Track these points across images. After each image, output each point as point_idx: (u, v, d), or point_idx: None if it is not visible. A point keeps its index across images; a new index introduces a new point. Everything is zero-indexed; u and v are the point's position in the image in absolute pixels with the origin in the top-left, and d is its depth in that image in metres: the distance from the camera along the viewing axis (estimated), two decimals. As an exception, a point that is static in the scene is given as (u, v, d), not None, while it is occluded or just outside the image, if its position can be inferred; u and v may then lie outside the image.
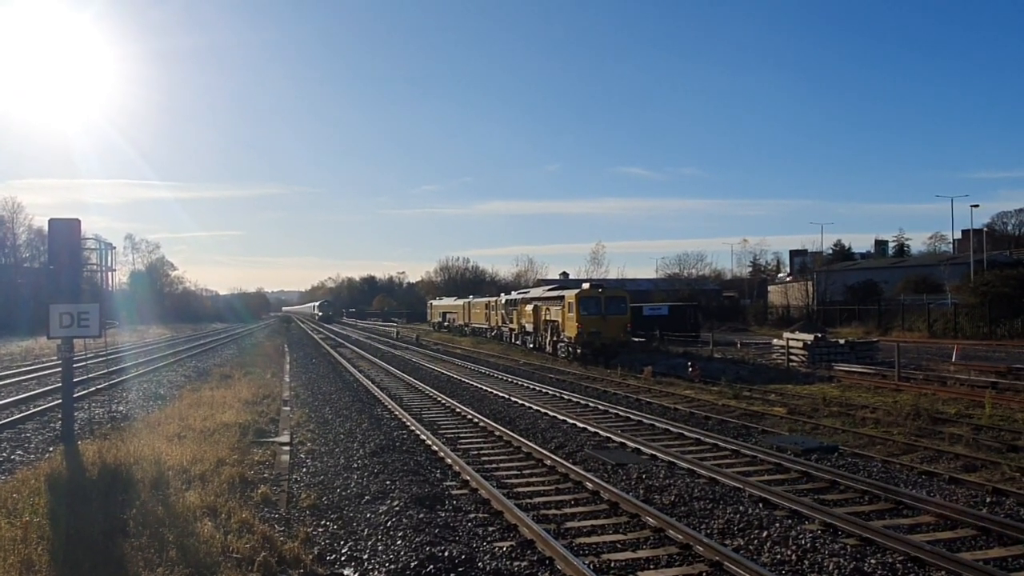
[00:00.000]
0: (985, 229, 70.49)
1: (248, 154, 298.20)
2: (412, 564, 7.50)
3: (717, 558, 7.62)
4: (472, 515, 9.58)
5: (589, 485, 10.79)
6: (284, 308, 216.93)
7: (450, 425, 16.86)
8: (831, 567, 7.43)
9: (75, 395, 14.04)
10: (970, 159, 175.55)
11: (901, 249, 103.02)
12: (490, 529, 9.01)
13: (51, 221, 12.87)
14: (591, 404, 19.75)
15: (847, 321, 57.39)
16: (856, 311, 59.13)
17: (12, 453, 13.01)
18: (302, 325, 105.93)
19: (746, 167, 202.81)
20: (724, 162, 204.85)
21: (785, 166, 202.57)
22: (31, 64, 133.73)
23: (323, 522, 9.39)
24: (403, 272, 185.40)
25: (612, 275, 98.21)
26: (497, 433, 15.32)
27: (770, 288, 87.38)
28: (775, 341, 35.03)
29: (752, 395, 21.37)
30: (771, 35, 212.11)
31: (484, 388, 23.73)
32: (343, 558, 8.07)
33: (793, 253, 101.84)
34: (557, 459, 12.45)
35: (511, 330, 46.18)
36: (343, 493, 10.75)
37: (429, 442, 14.48)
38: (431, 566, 7.43)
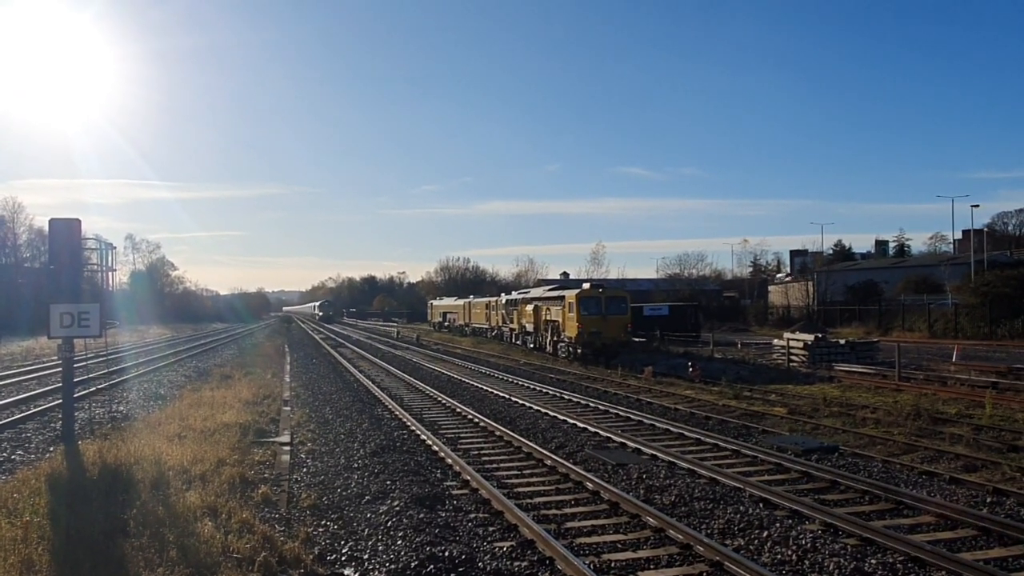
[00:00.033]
0: (985, 229, 70.55)
1: (248, 154, 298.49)
2: (412, 564, 7.50)
3: (717, 558, 7.62)
4: (472, 515, 9.58)
5: (589, 485, 10.79)
6: (284, 308, 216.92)
7: (450, 425, 16.87)
8: (831, 567, 7.43)
9: (75, 395, 14.04)
10: (970, 159, 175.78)
11: (901, 249, 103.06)
12: (490, 529, 9.01)
13: (52, 221, 12.88)
14: (591, 404, 19.75)
15: (847, 321, 57.39)
16: (856, 311, 59.12)
17: (13, 453, 13.02)
18: (302, 325, 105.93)
19: (746, 167, 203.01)
20: (724, 162, 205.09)
21: (785, 166, 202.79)
22: (31, 64, 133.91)
23: (323, 522, 9.39)
24: (403, 272, 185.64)
25: (612, 275, 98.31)
26: (497, 433, 15.32)
27: (770, 288, 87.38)
28: (775, 341, 35.03)
29: (752, 395, 21.36)
30: (771, 35, 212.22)
31: (484, 388, 23.73)
32: (343, 558, 8.07)
33: (793, 253, 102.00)
34: (557, 459, 12.45)
35: (511, 330, 46.18)
36: (343, 493, 10.75)
37: (429, 442, 14.48)
38: (431, 566, 7.43)
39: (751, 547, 8.22)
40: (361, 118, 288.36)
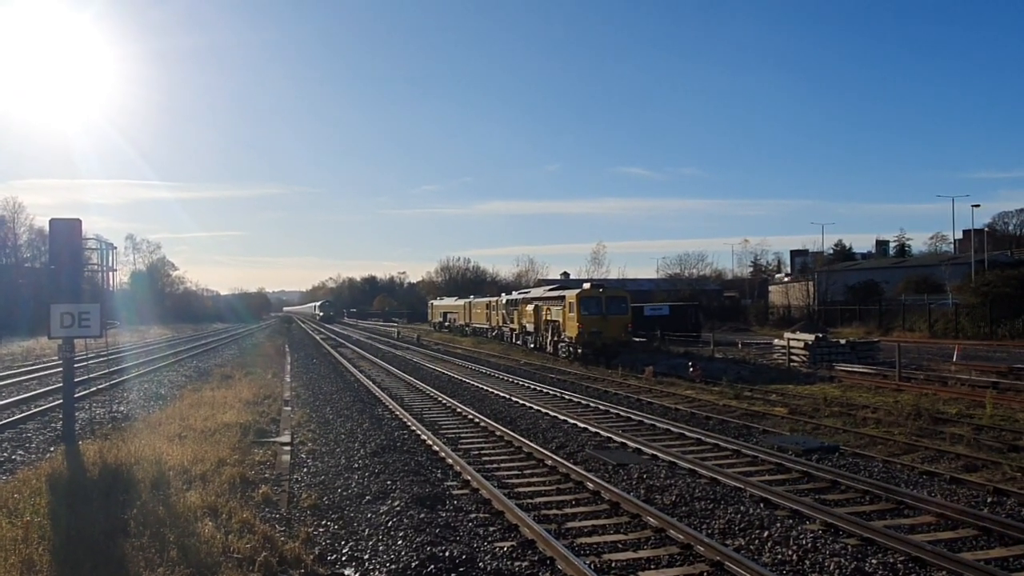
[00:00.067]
0: (986, 229, 70.54)
1: (248, 154, 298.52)
2: (413, 564, 7.50)
3: (718, 558, 7.62)
4: (473, 515, 9.58)
5: (590, 485, 10.79)
6: (285, 308, 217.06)
7: (451, 425, 16.87)
8: (832, 567, 7.42)
9: (76, 395, 14.05)
10: (970, 159, 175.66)
11: (902, 249, 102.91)
12: (491, 529, 9.01)
13: (52, 221, 12.88)
14: (592, 404, 19.75)
15: (848, 321, 57.37)
16: (857, 311, 59.09)
17: (13, 453, 13.02)
18: (303, 325, 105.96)
19: (746, 167, 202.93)
20: (724, 162, 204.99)
21: (785, 166, 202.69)
22: (31, 64, 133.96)
23: (324, 522, 9.40)
24: (404, 272, 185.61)
25: (613, 275, 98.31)
26: (498, 433, 15.32)
27: (771, 288, 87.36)
28: (776, 341, 35.01)
29: (753, 395, 21.36)
30: (771, 35, 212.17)
31: (485, 388, 23.73)
32: (344, 558, 8.07)
33: (794, 253, 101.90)
34: (558, 459, 12.45)
35: (512, 330, 46.18)
36: (344, 493, 10.75)
37: (430, 442, 14.48)
38: (432, 566, 7.43)
39: (752, 547, 8.22)
40: (361, 118, 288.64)
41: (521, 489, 10.94)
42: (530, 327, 40.96)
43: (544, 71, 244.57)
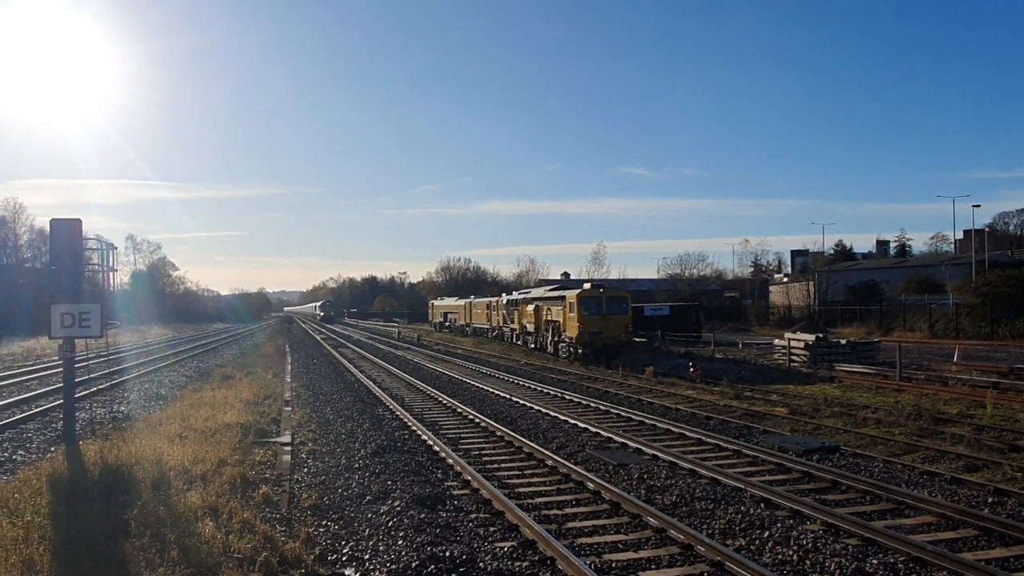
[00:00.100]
0: (987, 229, 70.47)
1: (248, 154, 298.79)
2: (413, 564, 7.50)
3: (719, 558, 7.61)
4: (473, 515, 9.58)
5: (590, 485, 10.79)
6: (285, 308, 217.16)
7: (451, 425, 16.87)
8: (833, 567, 7.42)
9: (76, 395, 14.06)
10: (971, 159, 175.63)
11: (903, 249, 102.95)
12: (491, 529, 9.01)
13: (53, 221, 12.89)
14: (592, 404, 19.74)
15: (849, 321, 57.36)
16: (858, 311, 59.08)
17: (14, 453, 13.03)
18: (303, 325, 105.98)
19: (746, 167, 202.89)
20: (724, 162, 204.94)
21: (785, 166, 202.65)
22: (32, 64, 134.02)
23: (324, 522, 9.40)
24: (404, 272, 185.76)
25: (613, 275, 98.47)
26: (498, 433, 15.32)
27: (771, 288, 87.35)
28: (776, 341, 35.00)
29: (754, 395, 21.35)
30: (771, 35, 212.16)
31: (485, 388, 23.73)
32: (344, 558, 8.07)
33: (795, 253, 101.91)
34: (559, 459, 12.45)
35: (512, 330, 46.18)
36: (344, 493, 10.75)
37: (430, 442, 14.48)
38: (432, 566, 7.43)
39: (752, 547, 8.22)
40: (361, 118, 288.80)
41: (522, 489, 10.94)
42: (530, 327, 40.96)
43: (544, 71, 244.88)
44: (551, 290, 42.33)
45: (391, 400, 20.82)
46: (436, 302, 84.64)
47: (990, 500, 10.08)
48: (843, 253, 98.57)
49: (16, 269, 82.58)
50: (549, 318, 37.62)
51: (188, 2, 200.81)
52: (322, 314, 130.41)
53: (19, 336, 49.76)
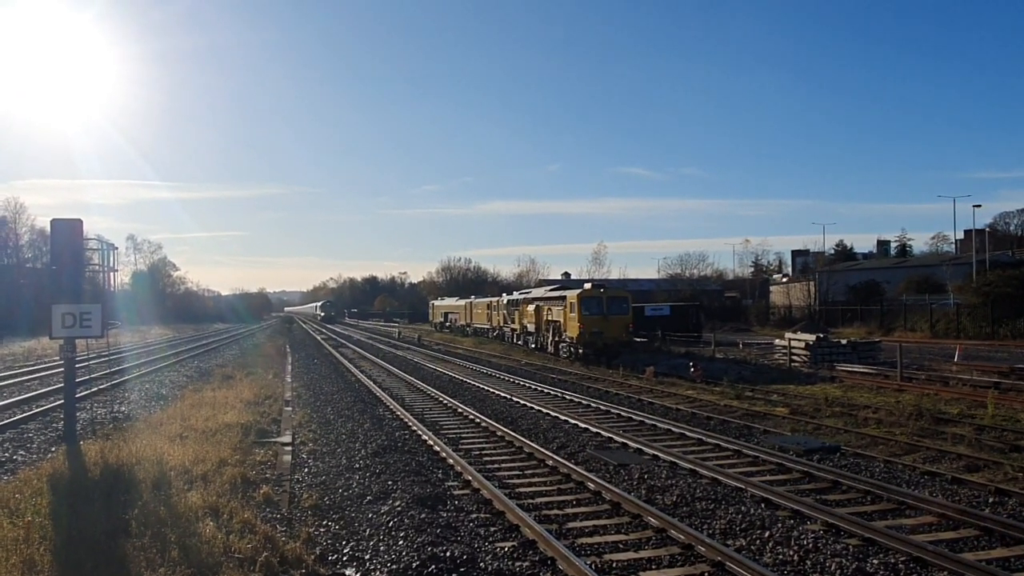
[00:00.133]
0: (987, 229, 70.39)
1: (249, 154, 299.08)
2: (414, 564, 7.50)
3: (719, 558, 7.61)
4: (474, 515, 9.58)
5: (591, 485, 10.79)
6: (286, 308, 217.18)
7: (452, 425, 16.86)
8: (833, 567, 7.42)
9: (77, 395, 14.07)
10: (971, 159, 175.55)
11: (903, 249, 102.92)
12: (492, 529, 9.01)
13: (53, 222, 12.89)
14: (593, 404, 19.74)
15: (849, 321, 57.35)
16: (858, 311, 59.07)
17: (14, 453, 13.03)
18: (304, 325, 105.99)
19: (747, 167, 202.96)
20: (725, 162, 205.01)
21: (786, 166, 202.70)
22: (33, 65, 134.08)
23: (325, 522, 9.40)
24: (405, 272, 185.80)
25: (614, 275, 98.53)
26: (499, 433, 15.31)
27: (772, 288, 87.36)
28: (777, 341, 35.00)
29: (754, 395, 21.35)
30: (771, 35, 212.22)
31: (486, 388, 23.73)
32: (345, 558, 8.08)
33: (795, 253, 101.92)
34: (559, 459, 12.45)
35: (513, 330, 46.17)
36: (345, 493, 10.75)
37: (431, 442, 14.47)
38: (433, 566, 7.43)
39: (753, 547, 8.21)
40: (361, 118, 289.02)
41: (522, 489, 10.94)
42: (531, 327, 40.96)
43: (544, 71, 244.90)
44: (552, 290, 42.33)
45: (392, 400, 20.82)
46: (436, 302, 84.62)
47: (991, 500, 10.08)
48: (844, 253, 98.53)
49: (17, 269, 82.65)
50: (550, 318, 37.61)
51: (189, 3, 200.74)
52: (323, 314, 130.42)
53: (20, 336, 49.80)
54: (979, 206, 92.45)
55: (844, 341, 32.54)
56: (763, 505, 9.77)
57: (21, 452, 13.13)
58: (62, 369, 13.23)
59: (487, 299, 58.05)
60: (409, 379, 27.24)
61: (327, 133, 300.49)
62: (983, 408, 17.62)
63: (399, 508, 9.49)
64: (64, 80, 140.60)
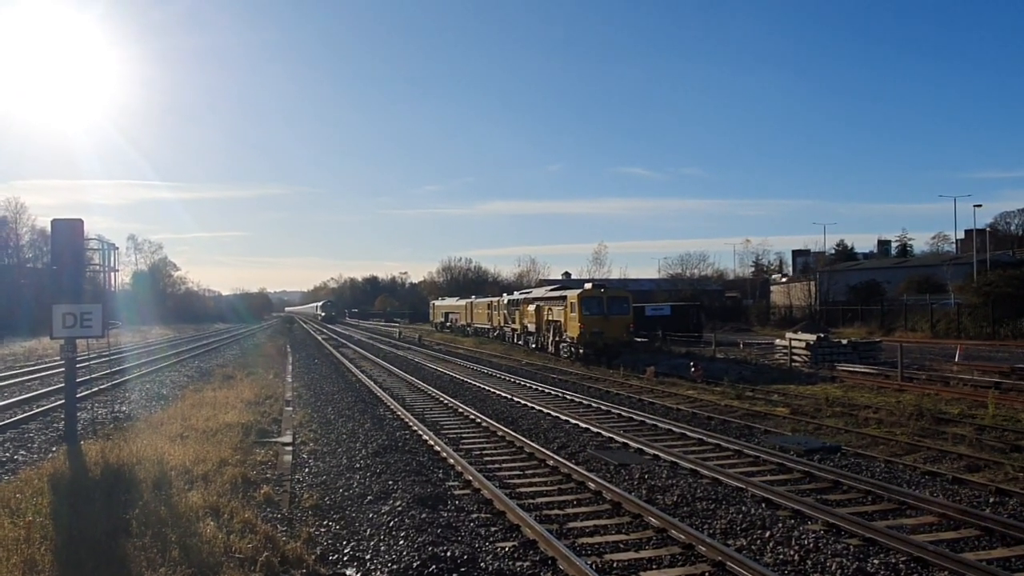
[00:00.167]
0: (988, 229, 70.44)
1: (249, 154, 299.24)
2: (415, 564, 7.50)
3: (720, 558, 7.61)
4: (474, 515, 9.58)
5: (592, 485, 10.79)
6: (287, 308, 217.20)
7: (452, 425, 16.86)
8: (834, 567, 7.41)
9: (78, 395, 14.07)
10: (972, 159, 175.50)
11: (904, 249, 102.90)
12: (492, 529, 9.01)
13: (54, 222, 12.88)
14: (593, 404, 19.74)
15: (850, 321, 57.32)
16: (859, 311, 59.04)
17: (15, 453, 13.03)
18: (304, 325, 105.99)
19: (747, 167, 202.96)
20: (725, 162, 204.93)
21: (786, 166, 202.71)
22: (34, 65, 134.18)
23: (325, 522, 9.40)
24: (405, 272, 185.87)
25: (614, 275, 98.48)
26: (500, 433, 15.31)
27: (773, 288, 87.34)
28: (778, 341, 34.98)
29: (755, 395, 21.34)
30: (771, 35, 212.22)
31: (486, 388, 23.73)
32: (345, 558, 8.08)
33: (796, 253, 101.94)
34: (560, 459, 12.44)
35: (513, 330, 46.16)
36: (345, 493, 10.76)
37: (431, 442, 14.47)
38: (433, 566, 7.43)
39: (753, 547, 8.21)
40: (362, 118, 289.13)
41: (523, 489, 10.94)
42: (532, 327, 40.95)
43: (544, 71, 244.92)
44: (552, 290, 42.33)
45: (392, 400, 20.82)
46: (437, 302, 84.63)
47: (992, 500, 10.07)
48: (844, 253, 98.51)
49: (18, 269, 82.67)
50: (550, 318, 37.61)
51: (189, 3, 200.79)
52: (323, 314, 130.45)
53: (21, 336, 49.82)
54: (980, 206, 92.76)
55: (845, 341, 32.53)
56: (764, 505, 9.77)
57: (22, 452, 13.14)
58: (63, 369, 13.23)
59: (488, 299, 58.04)
60: (410, 379, 27.24)
61: (328, 133, 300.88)
62: (984, 408, 17.61)
63: (400, 508, 9.49)
64: (65, 80, 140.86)
